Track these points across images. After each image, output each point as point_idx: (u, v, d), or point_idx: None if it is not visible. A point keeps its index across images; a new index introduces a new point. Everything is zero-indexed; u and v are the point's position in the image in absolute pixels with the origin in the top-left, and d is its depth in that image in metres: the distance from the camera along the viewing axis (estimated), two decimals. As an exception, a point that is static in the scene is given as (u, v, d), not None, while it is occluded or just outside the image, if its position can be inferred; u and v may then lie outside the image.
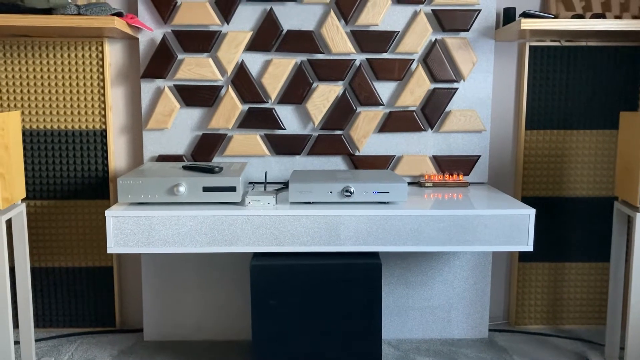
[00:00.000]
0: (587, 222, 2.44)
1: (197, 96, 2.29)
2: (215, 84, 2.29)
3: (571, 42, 2.34)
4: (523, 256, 2.46)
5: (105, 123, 2.33)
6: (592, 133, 2.39)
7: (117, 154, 2.40)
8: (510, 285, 2.52)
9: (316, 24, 2.27)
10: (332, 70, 2.28)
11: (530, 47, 2.34)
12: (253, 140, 2.32)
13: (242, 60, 2.27)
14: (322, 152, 2.34)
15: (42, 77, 2.30)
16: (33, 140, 2.33)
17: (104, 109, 2.32)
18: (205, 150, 2.32)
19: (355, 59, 2.29)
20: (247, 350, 2.32)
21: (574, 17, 2.14)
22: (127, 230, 1.85)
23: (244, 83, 2.28)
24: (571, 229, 2.44)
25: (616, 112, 2.37)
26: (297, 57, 2.28)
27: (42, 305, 2.44)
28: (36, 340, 2.35)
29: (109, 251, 1.86)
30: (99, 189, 2.37)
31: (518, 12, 2.27)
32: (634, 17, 2.18)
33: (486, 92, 2.32)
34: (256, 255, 1.97)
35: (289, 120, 2.32)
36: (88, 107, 2.32)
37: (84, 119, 2.33)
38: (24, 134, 2.33)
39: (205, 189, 1.91)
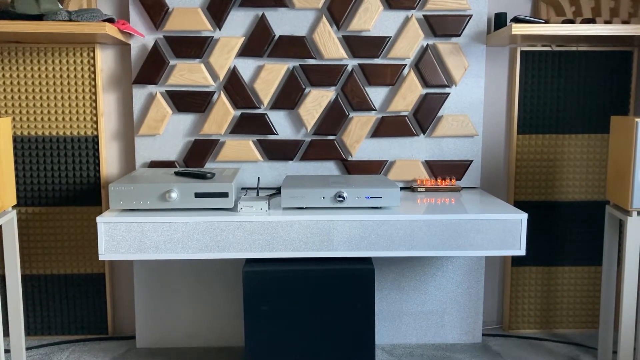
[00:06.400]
0: (579, 226, 2.45)
1: (189, 102, 2.28)
2: (207, 89, 2.29)
3: (562, 46, 2.35)
4: (516, 260, 2.47)
5: (96, 129, 2.33)
6: (584, 137, 2.41)
7: (109, 160, 2.39)
8: (504, 289, 2.52)
9: (308, 30, 2.27)
10: (324, 75, 2.28)
11: (522, 51, 2.35)
12: (246, 146, 2.31)
13: (234, 66, 2.27)
14: (314, 158, 2.34)
15: (33, 83, 2.29)
16: (24, 147, 2.32)
17: (96, 114, 2.32)
18: (197, 156, 2.32)
19: (348, 65, 2.29)
20: (239, 356, 2.31)
21: (564, 22, 2.15)
22: (119, 236, 1.84)
23: (236, 89, 2.28)
24: (563, 233, 2.45)
25: (607, 116, 2.38)
26: (289, 63, 2.28)
27: (33, 312, 2.42)
28: (27, 349, 2.33)
29: (100, 258, 1.85)
30: (90, 195, 2.36)
31: (509, 18, 2.28)
32: (624, 22, 2.19)
33: (478, 97, 2.33)
34: (249, 261, 1.96)
35: (282, 125, 2.32)
36: (80, 113, 2.31)
37: (76, 125, 2.32)
38: (14, 140, 2.31)
39: (198, 195, 1.90)
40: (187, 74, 2.26)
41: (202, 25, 2.23)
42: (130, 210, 1.92)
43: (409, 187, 2.37)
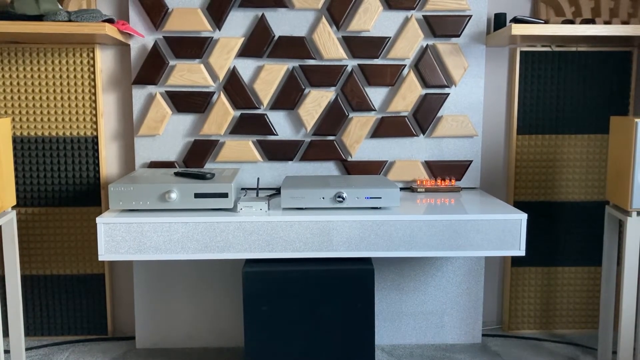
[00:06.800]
0: (578, 226, 2.45)
1: (189, 102, 2.28)
2: (207, 90, 2.29)
3: (562, 47, 2.35)
4: (515, 261, 2.47)
5: (96, 129, 2.33)
6: (583, 137, 2.41)
7: (109, 161, 2.39)
8: (503, 290, 2.52)
9: (308, 30, 2.27)
10: (324, 76, 2.28)
11: (521, 52, 2.35)
12: (245, 146, 2.31)
13: (234, 66, 2.27)
14: (314, 158, 2.34)
15: (32, 83, 2.29)
16: (24, 147, 2.32)
17: (95, 115, 2.32)
18: (197, 156, 2.32)
19: (347, 65, 2.29)
20: (239, 357, 2.31)
21: (564, 22, 2.16)
22: (119, 237, 1.84)
23: (236, 89, 2.28)
24: (563, 233, 2.45)
25: (607, 117, 2.38)
26: (289, 63, 2.28)
27: (32, 313, 2.42)
28: (27, 349, 2.33)
29: (100, 258, 1.85)
30: (90, 195, 2.36)
31: (509, 18, 2.28)
32: (623, 23, 2.19)
33: (478, 97, 2.33)
34: (248, 261, 1.96)
35: (281, 126, 2.32)
36: (79, 113, 2.31)
37: (75, 126, 2.32)
38: (14, 140, 2.31)
39: (197, 196, 1.90)
40: (186, 74, 2.26)
41: (201, 25, 2.23)
42: (130, 211, 1.92)
43: (409, 188, 2.37)
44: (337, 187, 1.93)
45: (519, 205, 2.42)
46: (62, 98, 2.30)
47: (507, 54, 2.40)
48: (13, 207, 2.05)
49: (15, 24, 1.94)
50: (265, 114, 2.31)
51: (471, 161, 2.36)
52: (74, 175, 2.34)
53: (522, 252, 1.89)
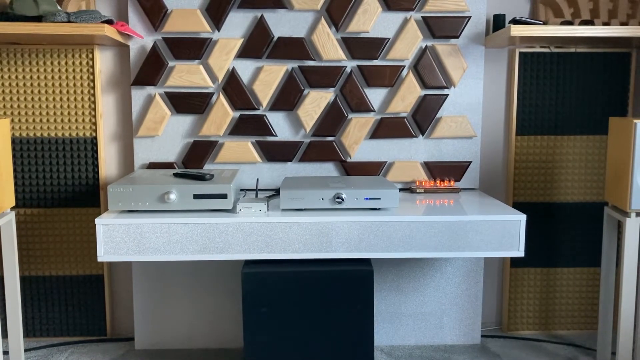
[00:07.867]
0: (577, 227, 2.45)
1: (188, 103, 2.28)
2: (206, 90, 2.29)
3: (561, 48, 2.36)
4: (515, 262, 2.47)
5: (95, 130, 2.32)
6: (582, 138, 2.41)
7: (108, 162, 2.39)
8: (503, 291, 2.52)
9: (307, 31, 2.27)
10: (323, 76, 2.28)
11: (520, 53, 2.35)
12: (244, 147, 2.31)
13: (233, 67, 2.27)
14: (313, 159, 2.34)
15: (32, 84, 2.29)
16: (23, 148, 2.32)
17: (95, 116, 2.32)
18: (196, 157, 2.32)
19: (346, 66, 2.29)
20: (238, 358, 2.31)
21: (563, 23, 2.16)
22: (118, 238, 1.84)
23: (235, 90, 2.28)
24: (562, 234, 2.45)
25: (606, 118, 2.38)
26: (288, 64, 2.28)
27: (32, 314, 2.42)
28: (26, 350, 2.33)
29: (99, 259, 1.85)
30: (89, 196, 2.35)
31: (508, 19, 2.28)
32: (622, 24, 2.20)
33: (477, 98, 2.33)
34: (248, 262, 1.96)
35: (281, 126, 2.32)
36: (78, 114, 2.31)
37: (75, 127, 2.32)
38: (13, 141, 2.31)
39: (196, 197, 1.90)
40: (186, 75, 2.26)
41: (201, 26, 2.23)
42: (129, 212, 1.92)
43: (408, 189, 2.37)
44: (336, 188, 1.93)
45: (518, 206, 2.42)
46: (61, 99, 2.30)
47: (506, 55, 2.40)
48: (12, 208, 2.05)
49: (15, 25, 1.95)
50: (265, 115, 2.31)
51: (470, 162, 2.36)
52: (73, 177, 2.34)
53: (521, 253, 1.89)
